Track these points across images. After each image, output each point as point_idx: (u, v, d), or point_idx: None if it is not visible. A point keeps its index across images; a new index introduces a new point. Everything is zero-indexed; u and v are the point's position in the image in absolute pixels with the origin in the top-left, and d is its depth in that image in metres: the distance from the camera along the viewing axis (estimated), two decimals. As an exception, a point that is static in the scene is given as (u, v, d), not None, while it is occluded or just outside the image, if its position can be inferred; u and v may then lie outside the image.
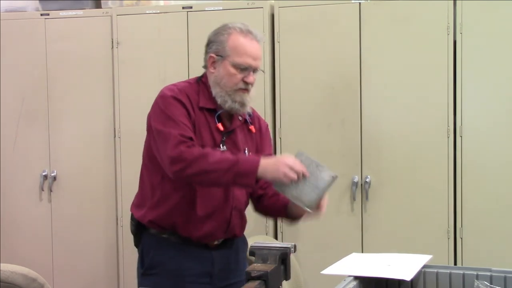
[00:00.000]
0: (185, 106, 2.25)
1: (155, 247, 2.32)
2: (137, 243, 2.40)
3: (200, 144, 2.22)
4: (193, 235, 2.28)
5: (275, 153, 3.00)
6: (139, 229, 2.36)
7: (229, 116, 2.34)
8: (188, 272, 2.29)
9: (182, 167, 2.13)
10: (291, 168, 2.09)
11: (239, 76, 2.25)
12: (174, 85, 2.37)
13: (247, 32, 2.27)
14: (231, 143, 2.31)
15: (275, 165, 2.11)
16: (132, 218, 2.39)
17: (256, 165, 2.11)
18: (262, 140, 2.45)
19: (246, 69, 2.25)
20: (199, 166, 2.12)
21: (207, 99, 2.30)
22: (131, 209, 2.42)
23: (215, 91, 2.29)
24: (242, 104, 2.27)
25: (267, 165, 2.11)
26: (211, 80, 2.31)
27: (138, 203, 2.38)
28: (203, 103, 2.29)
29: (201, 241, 2.30)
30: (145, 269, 2.34)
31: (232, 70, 2.25)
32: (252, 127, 2.40)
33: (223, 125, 2.30)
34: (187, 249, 2.30)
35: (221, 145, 2.28)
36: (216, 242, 2.33)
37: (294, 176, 2.09)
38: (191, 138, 2.19)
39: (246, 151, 2.35)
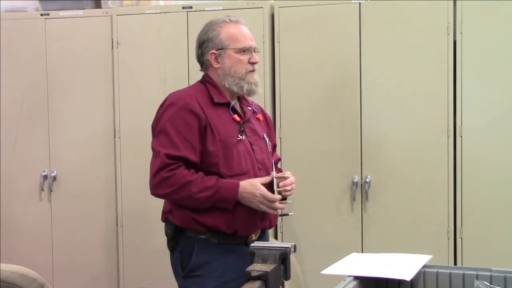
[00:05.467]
0: (195, 113, 2.31)
1: (196, 249, 2.36)
2: (173, 248, 2.42)
3: (220, 139, 2.32)
4: (236, 227, 2.34)
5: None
6: (176, 233, 2.39)
7: (240, 107, 2.47)
8: (230, 271, 2.34)
9: (168, 192, 2.28)
10: (263, 199, 2.29)
11: (245, 59, 2.39)
12: (181, 92, 2.44)
13: (235, 21, 2.44)
14: (250, 131, 2.43)
15: (251, 195, 2.30)
16: (169, 222, 2.42)
17: (235, 194, 2.30)
18: (269, 130, 2.60)
19: (248, 51, 2.40)
20: (183, 193, 2.26)
21: (219, 95, 2.41)
22: (164, 217, 2.46)
23: (228, 82, 2.40)
24: (256, 84, 2.43)
25: (244, 194, 2.30)
26: (219, 74, 2.41)
27: (171, 210, 2.41)
28: (217, 99, 2.40)
29: (243, 234, 2.37)
30: (187, 272, 2.38)
31: (238, 56, 2.39)
32: (259, 116, 2.54)
33: (238, 116, 2.42)
34: (227, 248, 2.36)
35: (239, 134, 2.38)
36: (254, 237, 2.40)
37: (265, 208, 2.31)
38: (178, 158, 2.28)
39: (265, 137, 2.50)
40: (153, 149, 2.34)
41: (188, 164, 2.29)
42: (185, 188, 2.25)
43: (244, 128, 2.41)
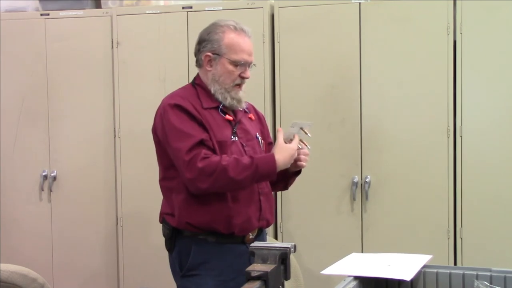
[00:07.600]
0: (189, 111, 2.31)
1: (194, 249, 2.35)
2: (171, 248, 2.42)
3: (217, 140, 2.31)
4: (234, 229, 2.33)
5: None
6: (174, 233, 2.39)
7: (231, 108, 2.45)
8: (229, 270, 2.34)
9: (208, 185, 2.23)
10: (297, 154, 2.35)
11: (237, 72, 2.37)
12: (173, 94, 2.44)
13: (240, 30, 2.39)
14: (242, 132, 2.41)
15: (287, 157, 2.32)
16: (166, 223, 2.42)
17: (274, 164, 2.28)
18: (264, 128, 2.59)
19: (243, 65, 2.37)
20: (223, 181, 2.23)
21: (208, 99, 2.40)
22: (162, 218, 2.46)
23: (214, 88, 2.39)
24: (239, 101, 2.40)
25: (281, 160, 2.30)
26: (208, 78, 2.40)
27: (168, 211, 2.41)
28: (207, 104, 2.38)
29: (240, 234, 2.35)
30: (186, 271, 2.37)
31: (230, 67, 2.36)
32: (251, 116, 2.52)
33: (229, 115, 2.40)
34: (225, 247, 2.35)
35: (232, 136, 2.37)
36: (251, 236, 2.39)
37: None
38: (202, 142, 2.26)
39: (258, 136, 2.48)
40: (172, 149, 2.30)
41: (205, 145, 2.29)
42: (225, 172, 2.22)
43: (236, 129, 2.40)
